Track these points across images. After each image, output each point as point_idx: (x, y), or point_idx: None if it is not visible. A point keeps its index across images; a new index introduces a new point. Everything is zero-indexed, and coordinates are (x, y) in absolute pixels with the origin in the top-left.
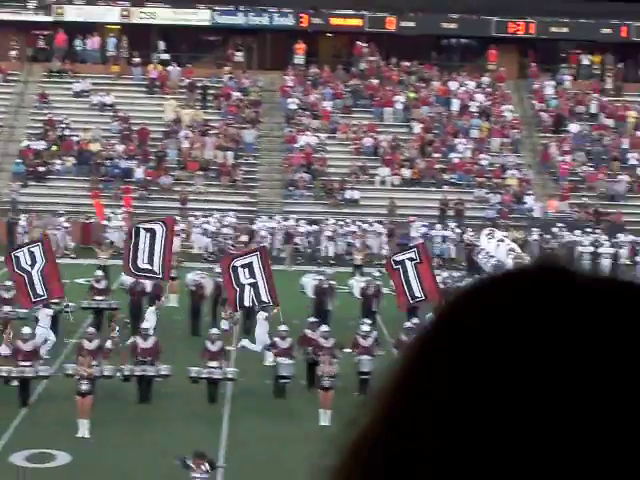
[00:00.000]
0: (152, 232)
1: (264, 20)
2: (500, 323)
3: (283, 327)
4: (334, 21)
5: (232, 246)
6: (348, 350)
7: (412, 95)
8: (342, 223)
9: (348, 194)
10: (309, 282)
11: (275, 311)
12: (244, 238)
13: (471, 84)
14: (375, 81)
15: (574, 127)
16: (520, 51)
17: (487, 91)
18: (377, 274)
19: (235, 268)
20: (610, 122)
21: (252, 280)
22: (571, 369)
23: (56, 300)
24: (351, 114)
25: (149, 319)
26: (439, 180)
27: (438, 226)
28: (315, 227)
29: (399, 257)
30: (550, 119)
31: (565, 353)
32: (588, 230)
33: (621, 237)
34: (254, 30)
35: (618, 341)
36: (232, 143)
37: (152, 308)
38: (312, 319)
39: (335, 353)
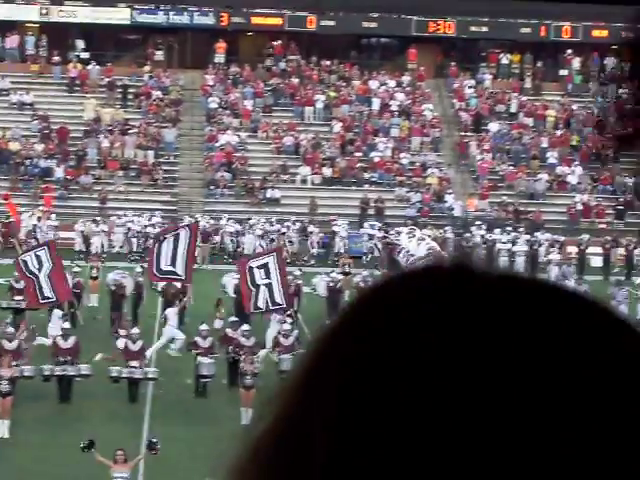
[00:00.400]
0: (176, 236)
1: (184, 19)
2: (394, 322)
3: (204, 326)
4: (254, 20)
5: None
6: (269, 349)
7: (332, 94)
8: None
9: (269, 193)
10: (230, 281)
11: (289, 313)
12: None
13: (391, 83)
14: (296, 80)
15: (494, 126)
16: (440, 50)
17: (407, 90)
18: (298, 273)
19: (251, 269)
20: (529, 121)
21: (267, 281)
22: (451, 368)
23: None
24: (272, 113)
25: (170, 319)
26: (360, 179)
27: (366, 224)
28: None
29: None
30: (470, 118)
31: (449, 350)
32: (508, 229)
33: (538, 235)
34: (174, 29)
35: (506, 340)
36: (152, 142)
37: (174, 309)
38: (233, 318)
39: (256, 352)
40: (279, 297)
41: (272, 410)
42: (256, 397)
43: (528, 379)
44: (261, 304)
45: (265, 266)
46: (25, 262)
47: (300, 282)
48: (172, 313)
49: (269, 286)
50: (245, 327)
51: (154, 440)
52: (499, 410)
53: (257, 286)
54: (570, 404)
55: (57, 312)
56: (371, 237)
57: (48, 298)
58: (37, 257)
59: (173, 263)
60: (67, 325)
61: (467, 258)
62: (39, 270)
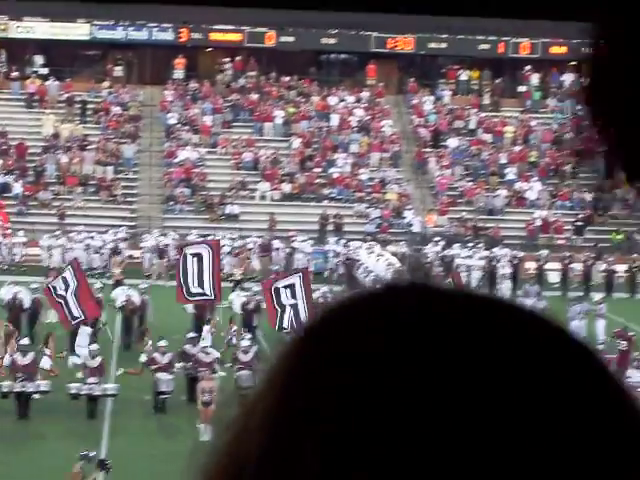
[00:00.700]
0: (199, 256)
1: (143, 35)
2: (358, 343)
3: (162, 342)
4: (213, 36)
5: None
6: (228, 365)
7: (292, 110)
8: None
9: (228, 209)
10: None
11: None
12: (132, 253)
13: (350, 99)
14: (255, 96)
15: (453, 142)
16: (399, 66)
17: (366, 106)
18: (257, 289)
19: (277, 289)
20: (488, 137)
21: (293, 301)
22: (412, 388)
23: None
24: (231, 129)
25: (205, 338)
26: (319, 195)
27: (331, 240)
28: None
29: None
30: (429, 134)
31: (413, 373)
32: (468, 245)
33: (497, 251)
34: (133, 45)
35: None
36: (111, 158)
37: (207, 327)
38: (192, 334)
39: (215, 368)
40: (304, 317)
41: (236, 429)
42: (215, 413)
43: (488, 404)
44: (286, 324)
45: (291, 287)
46: (54, 287)
47: (260, 298)
48: (206, 331)
49: (295, 307)
50: (204, 343)
51: (105, 459)
52: (469, 434)
53: (283, 306)
54: (521, 422)
55: (86, 329)
56: (337, 254)
57: (77, 318)
58: (63, 279)
59: (201, 284)
60: (26, 342)
61: (427, 277)
62: (66, 291)
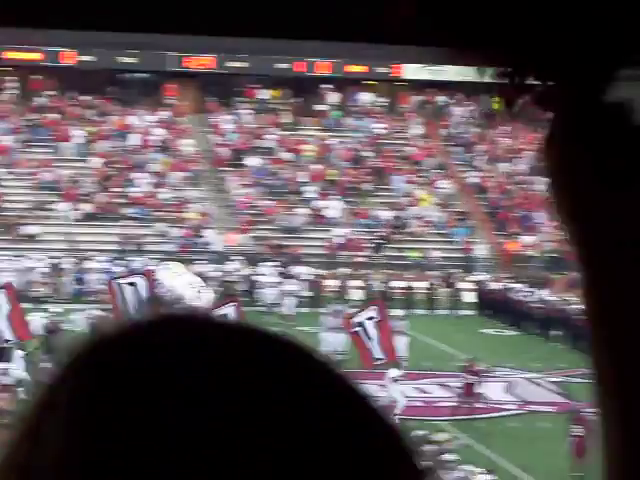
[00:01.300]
0: (134, 285)
1: None
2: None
3: None
4: (11, 54)
5: None
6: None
7: (91, 129)
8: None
9: (27, 229)
10: None
11: None
12: None
13: (150, 118)
14: (54, 115)
15: (252, 161)
16: (198, 86)
17: (166, 125)
18: (59, 310)
19: None
20: (287, 156)
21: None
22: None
23: None
24: (29, 149)
25: None
26: (119, 214)
27: (139, 259)
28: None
29: (358, 318)
30: (229, 153)
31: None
32: (268, 263)
33: (296, 269)
34: None
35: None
36: None
37: None
38: None
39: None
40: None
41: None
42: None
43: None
44: None
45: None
46: None
47: (61, 319)
48: None
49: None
50: (1, 365)
51: None
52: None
53: None
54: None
55: (19, 352)
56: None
57: (9, 341)
58: None
59: (140, 313)
60: None
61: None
62: None
